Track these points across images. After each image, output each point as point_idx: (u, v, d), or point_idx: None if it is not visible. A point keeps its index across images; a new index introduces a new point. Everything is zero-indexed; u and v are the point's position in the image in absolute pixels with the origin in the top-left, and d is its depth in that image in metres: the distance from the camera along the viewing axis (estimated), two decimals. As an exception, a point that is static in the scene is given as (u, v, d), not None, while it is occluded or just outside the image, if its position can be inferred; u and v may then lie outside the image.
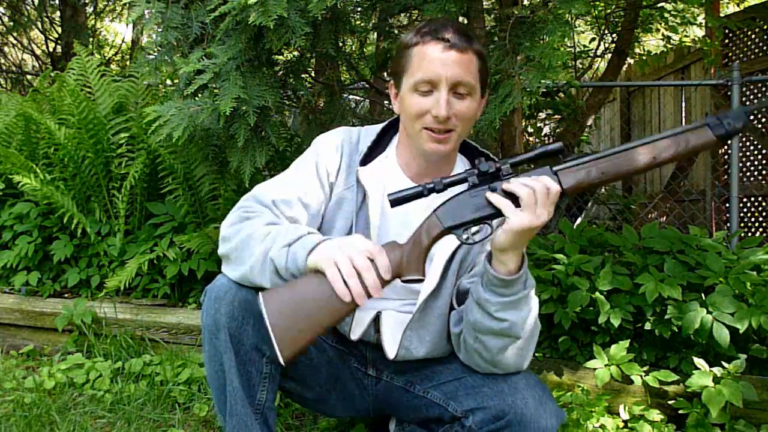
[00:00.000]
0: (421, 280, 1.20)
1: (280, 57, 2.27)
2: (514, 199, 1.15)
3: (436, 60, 1.26)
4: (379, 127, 1.46)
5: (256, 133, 2.07)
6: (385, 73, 2.85)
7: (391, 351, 1.38)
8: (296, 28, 1.77)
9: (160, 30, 2.02)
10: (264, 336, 1.26)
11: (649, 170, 1.23)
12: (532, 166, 1.22)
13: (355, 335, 1.40)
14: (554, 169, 1.19)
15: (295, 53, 2.32)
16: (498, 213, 1.18)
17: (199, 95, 2.04)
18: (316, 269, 1.14)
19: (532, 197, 1.13)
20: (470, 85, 1.28)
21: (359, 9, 2.29)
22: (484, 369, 1.31)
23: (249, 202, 1.35)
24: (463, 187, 1.21)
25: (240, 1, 1.71)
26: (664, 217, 4.43)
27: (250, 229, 1.26)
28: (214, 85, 1.93)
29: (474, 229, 1.22)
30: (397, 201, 1.19)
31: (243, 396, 1.28)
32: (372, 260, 1.14)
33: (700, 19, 4.46)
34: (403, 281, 1.19)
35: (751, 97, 4.54)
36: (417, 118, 1.30)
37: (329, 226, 1.41)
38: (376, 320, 1.40)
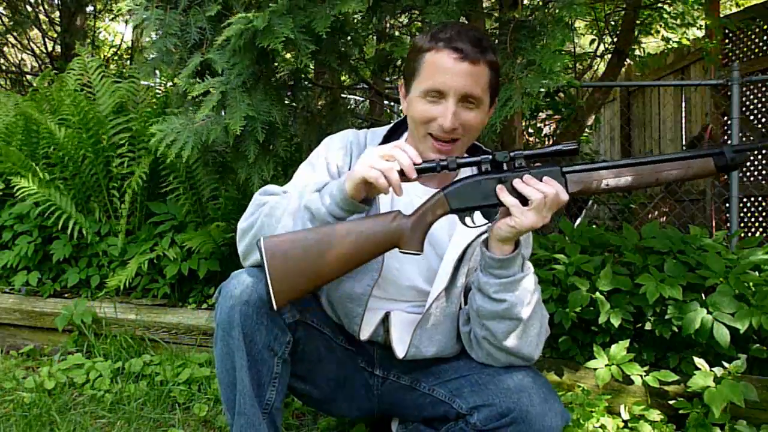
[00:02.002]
0: (418, 254, 1.23)
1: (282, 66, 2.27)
2: (522, 197, 1.17)
3: (447, 70, 1.26)
4: (385, 129, 1.47)
5: (264, 147, 2.07)
6: (386, 76, 2.85)
7: (400, 351, 1.39)
8: (302, 47, 1.77)
9: (158, 36, 2.01)
10: (276, 336, 1.28)
11: (652, 187, 1.26)
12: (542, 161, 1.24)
13: (364, 335, 1.41)
14: (564, 170, 1.20)
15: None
16: (503, 204, 1.20)
17: (202, 110, 2.04)
18: (356, 184, 1.17)
19: (542, 202, 1.16)
20: (479, 98, 1.29)
21: (360, 12, 2.28)
22: (499, 359, 1.32)
23: (260, 196, 1.36)
24: (475, 170, 1.23)
25: (246, 26, 1.70)
26: (664, 217, 4.43)
27: (271, 204, 1.27)
28: (221, 102, 1.93)
29: (477, 214, 1.24)
30: None
31: (252, 395, 1.29)
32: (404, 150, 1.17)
33: (700, 21, 4.46)
34: (401, 252, 1.22)
35: (751, 97, 4.54)
36: (423, 123, 1.30)
37: None
38: (385, 320, 1.41)
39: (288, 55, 1.82)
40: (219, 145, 2.10)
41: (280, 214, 1.24)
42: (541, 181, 1.18)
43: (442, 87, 1.26)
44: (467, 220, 1.24)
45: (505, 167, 1.21)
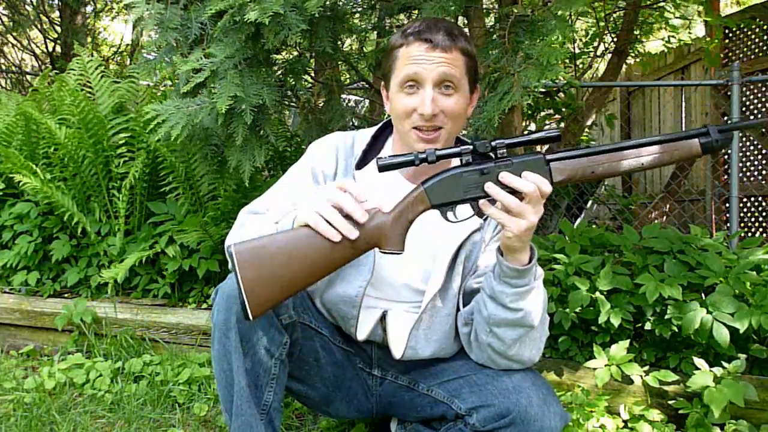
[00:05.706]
0: (400, 253, 1.18)
1: (279, 56, 2.27)
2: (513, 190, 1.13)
3: (420, 59, 1.26)
4: (373, 129, 1.47)
5: (255, 131, 2.06)
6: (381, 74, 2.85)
7: (397, 351, 1.38)
8: (292, 25, 1.77)
9: (159, 31, 2.02)
10: (273, 337, 1.27)
11: (638, 172, 1.24)
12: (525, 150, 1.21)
13: (361, 335, 1.40)
14: (548, 158, 1.17)
15: (294, 52, 2.32)
16: (486, 195, 1.15)
17: (199, 94, 2.04)
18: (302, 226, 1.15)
19: (536, 193, 1.12)
20: (456, 80, 1.28)
21: (359, 9, 2.28)
22: (499, 364, 1.32)
23: (245, 215, 1.37)
24: (455, 161, 1.20)
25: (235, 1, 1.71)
26: (664, 217, 4.43)
27: (247, 232, 1.28)
28: (212, 84, 1.93)
29: (459, 208, 1.20)
30: (386, 167, 1.15)
31: (250, 396, 1.29)
32: (346, 191, 1.14)
33: (700, 23, 4.46)
34: (381, 252, 1.18)
35: (751, 97, 4.54)
36: (405, 117, 1.30)
37: None
38: (383, 320, 1.40)
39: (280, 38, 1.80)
40: (211, 130, 2.09)
41: None
42: (520, 174, 1.13)
43: (416, 76, 1.26)
44: (449, 214, 1.19)
45: (487, 157, 1.15)
